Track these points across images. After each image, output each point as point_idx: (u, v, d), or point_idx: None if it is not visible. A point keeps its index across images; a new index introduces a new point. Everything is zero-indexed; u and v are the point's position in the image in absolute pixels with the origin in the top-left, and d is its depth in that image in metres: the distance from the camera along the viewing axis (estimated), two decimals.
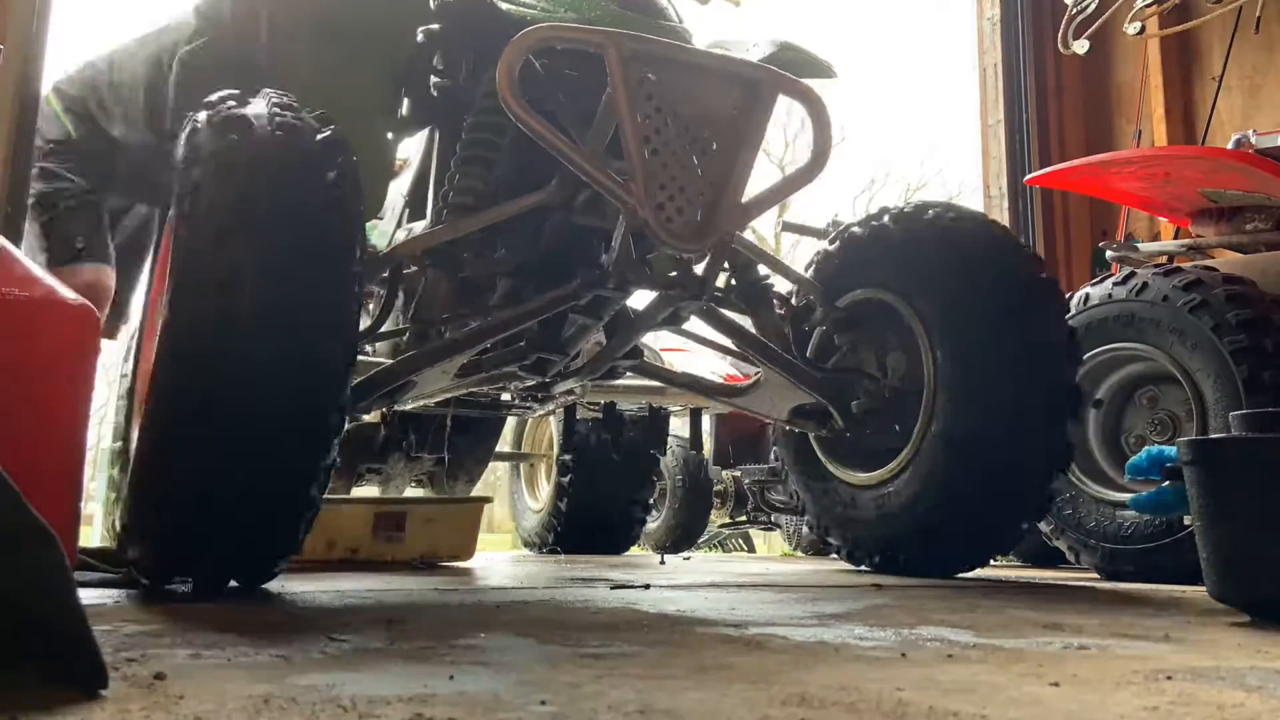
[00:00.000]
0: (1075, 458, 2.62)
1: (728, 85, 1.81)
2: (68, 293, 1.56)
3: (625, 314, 2.25)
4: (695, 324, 2.44)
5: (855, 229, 2.52)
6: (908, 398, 2.33)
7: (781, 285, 2.64)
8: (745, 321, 2.44)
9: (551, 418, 3.80)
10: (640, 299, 2.19)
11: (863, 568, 2.48)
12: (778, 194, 2.13)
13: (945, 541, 2.24)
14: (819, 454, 2.62)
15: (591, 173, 1.75)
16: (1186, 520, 1.98)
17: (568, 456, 3.70)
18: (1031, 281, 2.22)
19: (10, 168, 4.06)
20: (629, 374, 2.52)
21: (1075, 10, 3.84)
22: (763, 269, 2.44)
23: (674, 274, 2.01)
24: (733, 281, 2.41)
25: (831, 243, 2.60)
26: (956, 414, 2.18)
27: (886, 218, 2.44)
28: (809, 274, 2.57)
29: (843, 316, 2.46)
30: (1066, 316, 2.28)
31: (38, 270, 1.61)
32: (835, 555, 2.63)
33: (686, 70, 1.78)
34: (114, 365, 3.66)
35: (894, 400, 2.37)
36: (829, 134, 1.94)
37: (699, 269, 1.99)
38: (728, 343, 2.44)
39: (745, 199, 1.85)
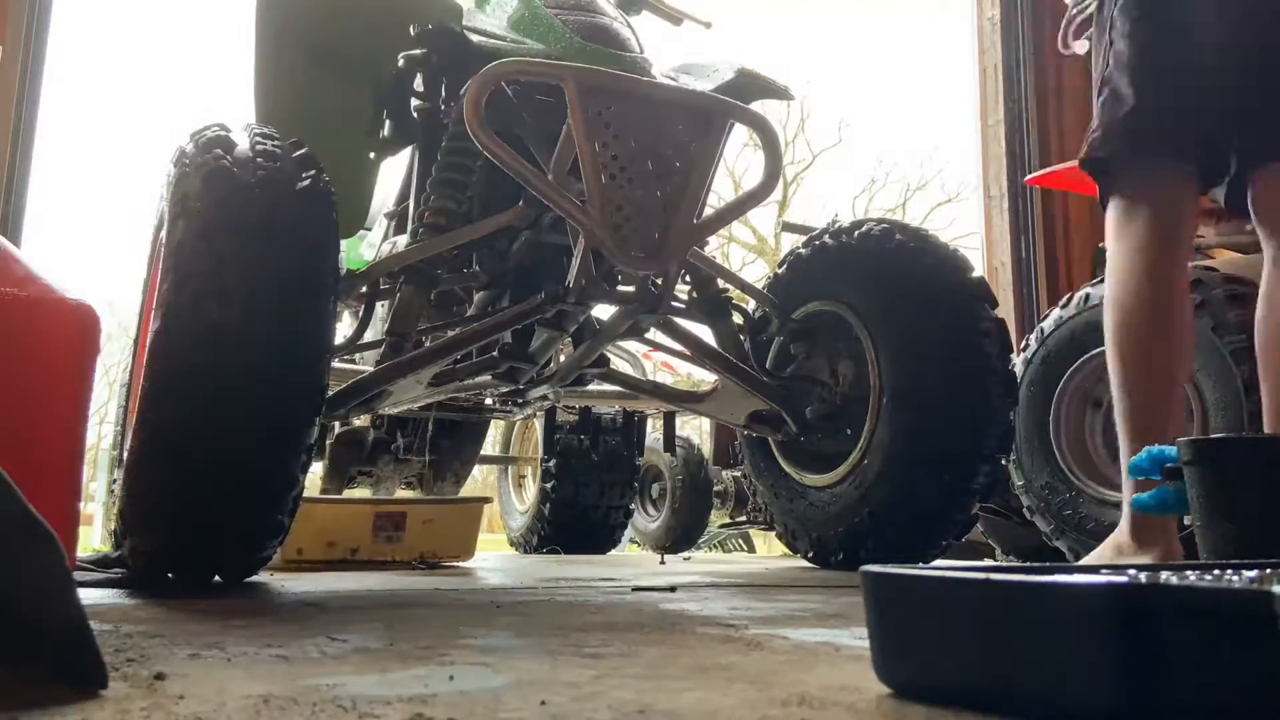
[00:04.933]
0: (1076, 458, 2.65)
1: (682, 114, 1.94)
2: (68, 293, 1.56)
3: (590, 325, 2.42)
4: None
5: (800, 250, 2.72)
6: (857, 402, 2.49)
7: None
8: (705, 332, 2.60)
9: (536, 421, 3.93)
10: (606, 311, 2.34)
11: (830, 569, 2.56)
12: (730, 214, 2.34)
13: (899, 533, 2.36)
14: (779, 459, 2.78)
15: (552, 197, 1.87)
16: (1187, 520, 1.98)
17: (550, 460, 3.87)
18: (956, 279, 2.37)
19: (11, 167, 4.06)
20: (597, 381, 2.67)
21: (1075, 10, 3.83)
22: (721, 283, 2.61)
23: (633, 289, 2.18)
24: (693, 294, 2.56)
25: (780, 265, 2.79)
26: (898, 412, 2.34)
27: (827, 236, 2.64)
28: (765, 289, 2.77)
29: (797, 327, 2.64)
30: (996, 309, 2.40)
31: (37, 270, 1.61)
32: (802, 557, 2.68)
33: (642, 101, 1.90)
34: (114, 365, 3.64)
35: (845, 405, 2.54)
36: (779, 157, 2.08)
37: (657, 284, 2.16)
38: (686, 352, 2.61)
39: (700, 219, 1.97)
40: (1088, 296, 2.65)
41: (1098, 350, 2.63)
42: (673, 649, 1.01)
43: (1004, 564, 3.25)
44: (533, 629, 1.18)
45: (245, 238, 1.50)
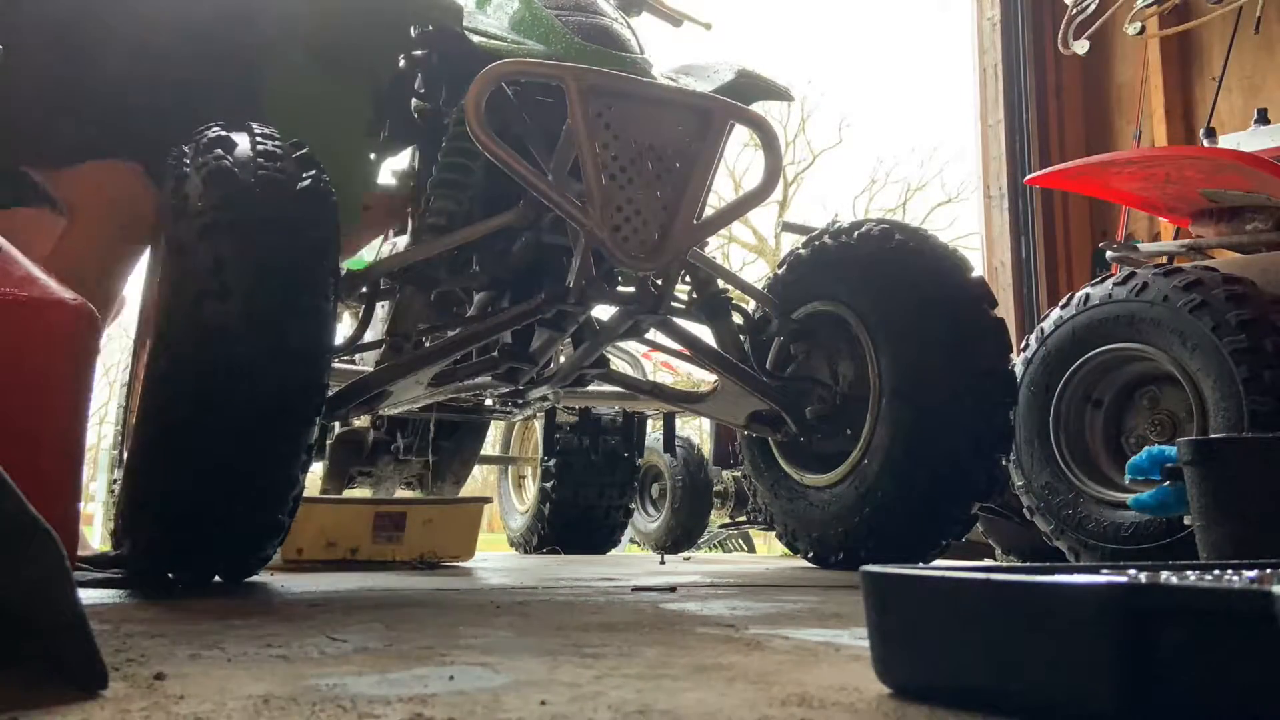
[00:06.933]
0: (1076, 458, 2.66)
1: (681, 114, 1.94)
2: (67, 292, 1.56)
3: (590, 326, 2.42)
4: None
5: (800, 250, 2.71)
6: (857, 402, 2.49)
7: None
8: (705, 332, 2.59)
9: (536, 422, 3.93)
10: (606, 311, 2.35)
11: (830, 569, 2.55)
12: (730, 214, 2.34)
13: (900, 533, 2.36)
14: (779, 459, 2.77)
15: (552, 197, 1.87)
16: (1186, 520, 1.98)
17: (550, 460, 3.87)
18: (957, 279, 2.37)
19: None
20: (597, 381, 2.67)
21: (1075, 10, 3.84)
22: (721, 283, 2.61)
23: (633, 289, 2.18)
24: (693, 295, 2.55)
25: (780, 265, 2.78)
26: (898, 412, 2.33)
27: (827, 236, 2.63)
28: (765, 289, 2.76)
29: (797, 328, 2.63)
30: (996, 309, 2.40)
31: (37, 270, 1.61)
32: (802, 557, 2.68)
33: (641, 101, 1.91)
34: (114, 365, 3.65)
35: (845, 405, 2.53)
36: (779, 157, 2.09)
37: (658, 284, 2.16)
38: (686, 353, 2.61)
39: (700, 219, 1.97)
40: (1088, 296, 2.65)
41: (1097, 350, 2.63)
42: (673, 649, 1.01)
43: (1004, 564, 3.25)
44: (533, 629, 1.18)
45: (245, 238, 1.50)
